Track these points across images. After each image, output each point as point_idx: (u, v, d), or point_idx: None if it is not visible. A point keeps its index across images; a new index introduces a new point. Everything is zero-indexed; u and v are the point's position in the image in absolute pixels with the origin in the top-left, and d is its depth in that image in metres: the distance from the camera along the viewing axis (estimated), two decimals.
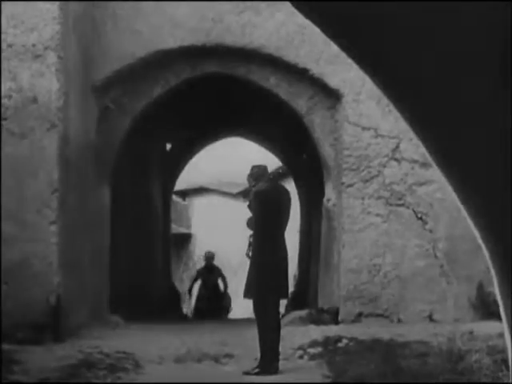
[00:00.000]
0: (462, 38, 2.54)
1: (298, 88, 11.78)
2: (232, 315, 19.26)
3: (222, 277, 19.69)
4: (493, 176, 2.76)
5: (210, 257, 19.96)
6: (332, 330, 10.18)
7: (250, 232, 8.77)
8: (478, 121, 2.70)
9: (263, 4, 11.51)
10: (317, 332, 10.09)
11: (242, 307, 17.50)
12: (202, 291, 19.67)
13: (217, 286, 19.61)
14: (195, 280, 19.93)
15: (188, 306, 21.54)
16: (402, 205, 11.13)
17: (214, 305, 19.14)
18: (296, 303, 14.38)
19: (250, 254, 8.64)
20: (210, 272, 19.65)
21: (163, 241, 17.98)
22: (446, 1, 2.49)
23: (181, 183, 22.45)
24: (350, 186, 11.17)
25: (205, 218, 29.62)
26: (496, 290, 3.06)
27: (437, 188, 10.92)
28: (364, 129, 11.18)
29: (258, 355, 8.47)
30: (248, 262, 8.69)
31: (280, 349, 8.52)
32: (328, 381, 7.74)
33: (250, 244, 8.71)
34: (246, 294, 8.60)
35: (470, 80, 2.64)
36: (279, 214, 8.64)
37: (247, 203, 8.91)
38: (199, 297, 19.72)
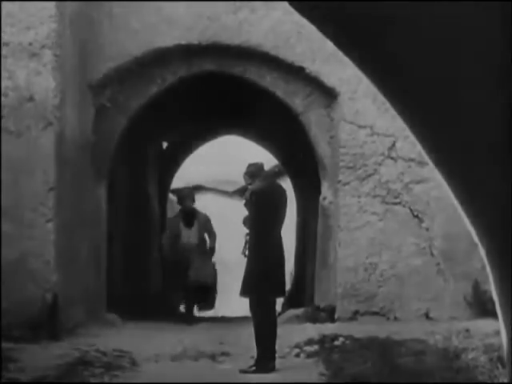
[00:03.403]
0: (462, 38, 2.54)
1: (294, 86, 11.78)
2: (230, 313, 18.38)
3: (209, 231, 12.96)
4: (490, 175, 2.77)
5: (186, 195, 13.08)
6: (328, 328, 10.19)
7: (247, 230, 8.78)
8: (476, 120, 2.71)
9: (259, 2, 11.51)
10: (313, 330, 10.10)
11: (238, 305, 17.40)
12: (174, 252, 12.69)
13: (202, 242, 12.89)
14: (171, 238, 12.89)
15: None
16: (399, 203, 11.14)
17: (197, 277, 12.66)
18: (292, 301, 14.39)
19: (247, 252, 8.65)
20: (190, 221, 12.74)
21: (160, 239, 17.95)
22: (447, 1, 2.49)
23: (177, 182, 22.43)
24: (347, 184, 11.17)
25: None
26: (492, 288, 3.07)
27: (433, 186, 10.93)
28: (360, 127, 11.19)
29: (255, 353, 8.48)
30: (244, 260, 8.70)
31: (276, 347, 8.53)
32: (324, 379, 7.75)
33: (246, 242, 8.72)
34: (243, 293, 8.61)
35: (468, 79, 2.64)
36: (276, 212, 8.64)
37: (244, 202, 8.91)
38: (169, 263, 13.09)
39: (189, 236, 12.66)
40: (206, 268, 12.72)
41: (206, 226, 12.85)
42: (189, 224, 12.65)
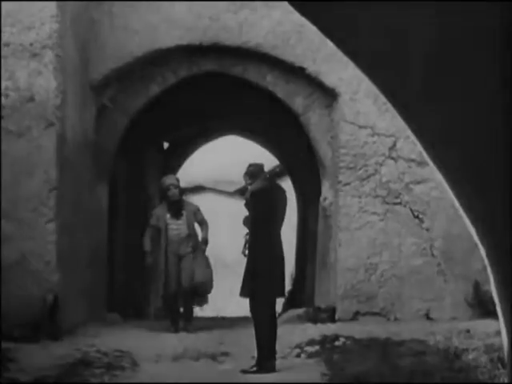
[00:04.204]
0: (463, 39, 2.54)
1: (294, 86, 11.79)
2: (230, 314, 18.19)
3: (200, 221, 11.48)
4: (490, 175, 2.77)
5: (170, 184, 11.31)
6: (329, 329, 10.19)
7: (247, 230, 8.78)
8: (477, 120, 2.71)
9: (260, 3, 11.52)
10: (314, 330, 10.10)
11: (238, 305, 17.36)
12: (162, 251, 11.29)
13: (193, 234, 11.45)
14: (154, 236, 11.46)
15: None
16: (399, 203, 11.13)
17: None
18: (293, 301, 14.38)
19: (247, 252, 8.65)
20: (177, 212, 11.28)
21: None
22: (447, 1, 2.49)
23: None
24: (347, 184, 11.17)
25: None
26: (492, 289, 3.07)
27: (433, 186, 10.93)
28: (361, 127, 11.19)
29: (255, 353, 8.48)
30: (244, 260, 8.70)
31: (277, 347, 8.52)
32: (325, 379, 7.75)
33: (246, 242, 8.73)
34: (243, 293, 8.61)
35: (469, 80, 2.64)
36: (275, 212, 8.65)
37: (244, 202, 8.92)
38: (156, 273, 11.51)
39: (178, 228, 11.25)
40: (198, 267, 11.24)
41: (196, 215, 11.39)
42: (176, 215, 11.24)
